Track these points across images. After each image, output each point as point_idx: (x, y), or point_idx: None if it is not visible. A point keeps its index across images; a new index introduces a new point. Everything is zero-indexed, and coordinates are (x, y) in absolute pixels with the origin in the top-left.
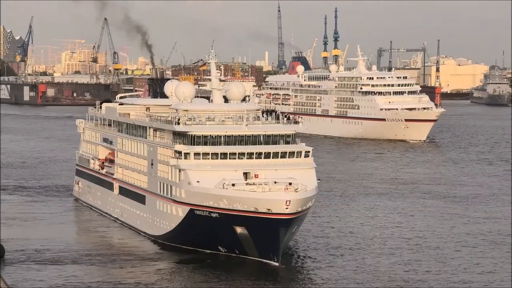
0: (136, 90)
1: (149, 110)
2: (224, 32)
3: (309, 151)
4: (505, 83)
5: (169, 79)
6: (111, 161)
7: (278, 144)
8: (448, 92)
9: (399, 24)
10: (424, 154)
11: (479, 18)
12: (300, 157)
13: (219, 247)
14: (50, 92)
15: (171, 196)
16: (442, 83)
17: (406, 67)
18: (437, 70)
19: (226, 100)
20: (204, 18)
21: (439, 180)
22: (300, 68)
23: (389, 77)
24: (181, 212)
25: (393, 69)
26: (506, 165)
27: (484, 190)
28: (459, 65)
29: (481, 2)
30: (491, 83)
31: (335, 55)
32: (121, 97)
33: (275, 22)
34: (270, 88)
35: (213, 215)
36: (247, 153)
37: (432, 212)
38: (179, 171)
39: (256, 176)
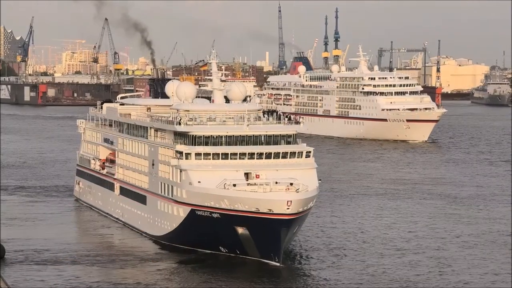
0: (137, 90)
1: (150, 111)
2: (224, 32)
3: (310, 152)
4: (505, 84)
5: (170, 79)
6: (112, 162)
7: (279, 144)
8: (449, 92)
9: (399, 24)
10: (425, 154)
11: (479, 18)
12: (301, 157)
13: (220, 247)
14: (51, 92)
15: (172, 196)
16: (443, 83)
17: (407, 68)
18: (438, 70)
19: (227, 100)
20: (204, 18)
21: (440, 181)
22: (301, 68)
23: (390, 78)
24: (182, 213)
25: (394, 69)
26: (506, 165)
27: (485, 190)
28: (459, 65)
29: (481, 2)
30: (492, 84)
31: (336, 55)
32: (122, 97)
33: (275, 22)
34: (272, 89)
35: (214, 215)
36: (248, 153)
37: (433, 213)
38: (180, 171)
39: (257, 176)
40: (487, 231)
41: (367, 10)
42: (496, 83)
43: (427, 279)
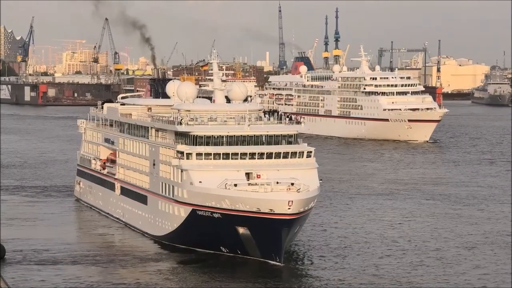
0: (137, 90)
1: (151, 110)
2: (224, 32)
3: (311, 151)
4: (506, 83)
5: (170, 79)
6: (113, 162)
7: (280, 144)
8: (449, 92)
9: (399, 24)
10: (426, 154)
11: (479, 18)
12: (302, 157)
13: (221, 247)
14: (51, 92)
15: (173, 196)
16: (443, 83)
17: (407, 67)
18: (438, 70)
19: (228, 100)
20: (204, 18)
21: (441, 181)
22: (303, 68)
23: (392, 77)
24: (183, 213)
25: (396, 69)
26: (507, 165)
27: (485, 190)
28: (460, 65)
29: (481, 2)
30: (492, 83)
31: (336, 55)
32: (122, 97)
33: (276, 22)
34: (273, 89)
35: (215, 215)
36: (249, 153)
37: (433, 213)
38: (181, 171)
39: (258, 176)
40: (488, 231)
41: (367, 10)
42: (497, 83)
43: (428, 279)
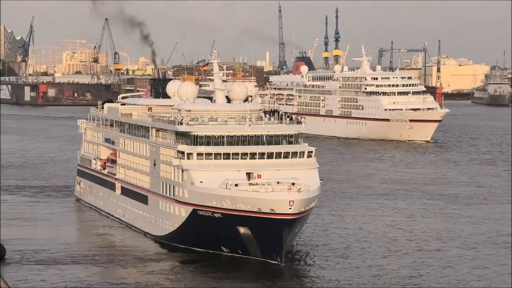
0: (138, 90)
1: (151, 110)
2: (224, 32)
3: (312, 151)
4: (506, 83)
5: (171, 79)
6: (113, 162)
7: (281, 144)
8: (449, 92)
9: (399, 24)
10: (426, 154)
11: (479, 18)
12: (303, 157)
13: (222, 247)
14: (51, 92)
15: (174, 196)
16: (443, 83)
17: (407, 67)
18: (438, 70)
19: (228, 100)
20: (204, 18)
21: (441, 180)
22: (304, 68)
23: (393, 77)
24: (184, 212)
25: (397, 69)
26: (506, 165)
27: (485, 190)
28: (460, 65)
29: (481, 2)
30: (492, 83)
31: (336, 55)
32: (123, 97)
33: (276, 22)
34: (274, 88)
35: (216, 215)
36: (250, 153)
37: (434, 213)
38: (182, 171)
39: (259, 176)
40: (488, 231)
41: (367, 10)
42: (497, 83)
43: (428, 279)
